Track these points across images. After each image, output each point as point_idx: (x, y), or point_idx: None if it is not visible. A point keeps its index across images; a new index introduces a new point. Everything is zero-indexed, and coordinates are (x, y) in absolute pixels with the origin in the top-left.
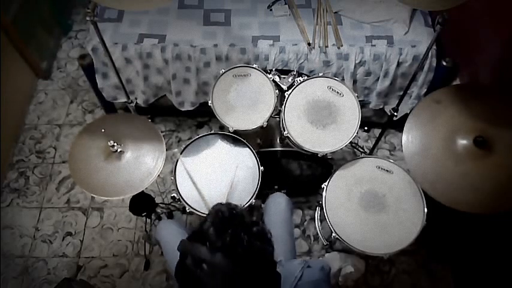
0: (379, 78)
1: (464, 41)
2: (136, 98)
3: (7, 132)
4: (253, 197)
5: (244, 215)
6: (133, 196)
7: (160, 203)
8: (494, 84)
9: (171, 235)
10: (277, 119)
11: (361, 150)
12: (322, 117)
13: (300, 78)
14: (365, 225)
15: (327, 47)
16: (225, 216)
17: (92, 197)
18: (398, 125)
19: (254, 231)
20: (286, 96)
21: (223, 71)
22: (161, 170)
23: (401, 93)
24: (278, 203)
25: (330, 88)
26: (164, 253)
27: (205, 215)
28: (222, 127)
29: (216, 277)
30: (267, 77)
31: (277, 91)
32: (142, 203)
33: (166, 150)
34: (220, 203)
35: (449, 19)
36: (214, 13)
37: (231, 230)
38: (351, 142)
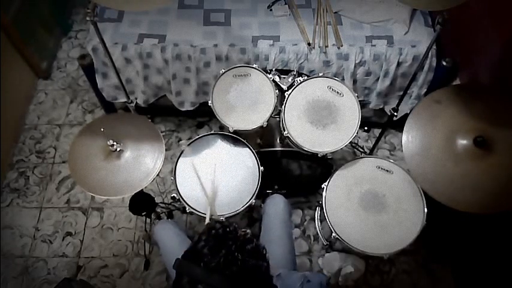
0: (379, 78)
1: (464, 41)
2: (136, 98)
3: (7, 132)
4: (253, 197)
5: (238, 234)
6: (133, 196)
7: (160, 203)
8: (494, 84)
9: (168, 237)
10: (277, 119)
11: (361, 150)
12: (322, 117)
13: (300, 78)
14: (365, 225)
15: (327, 47)
16: (219, 234)
17: (91, 196)
18: (398, 125)
19: (248, 249)
20: (286, 96)
21: (223, 71)
22: (161, 170)
23: (401, 93)
24: (276, 203)
25: (330, 88)
26: (162, 255)
27: (205, 215)
28: (222, 127)
29: None
30: (267, 77)
31: (277, 91)
32: (142, 203)
33: (166, 150)
34: (215, 221)
35: (449, 19)
36: (214, 13)
37: (225, 250)
38: (351, 142)
